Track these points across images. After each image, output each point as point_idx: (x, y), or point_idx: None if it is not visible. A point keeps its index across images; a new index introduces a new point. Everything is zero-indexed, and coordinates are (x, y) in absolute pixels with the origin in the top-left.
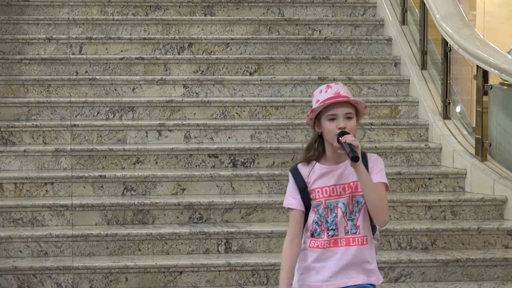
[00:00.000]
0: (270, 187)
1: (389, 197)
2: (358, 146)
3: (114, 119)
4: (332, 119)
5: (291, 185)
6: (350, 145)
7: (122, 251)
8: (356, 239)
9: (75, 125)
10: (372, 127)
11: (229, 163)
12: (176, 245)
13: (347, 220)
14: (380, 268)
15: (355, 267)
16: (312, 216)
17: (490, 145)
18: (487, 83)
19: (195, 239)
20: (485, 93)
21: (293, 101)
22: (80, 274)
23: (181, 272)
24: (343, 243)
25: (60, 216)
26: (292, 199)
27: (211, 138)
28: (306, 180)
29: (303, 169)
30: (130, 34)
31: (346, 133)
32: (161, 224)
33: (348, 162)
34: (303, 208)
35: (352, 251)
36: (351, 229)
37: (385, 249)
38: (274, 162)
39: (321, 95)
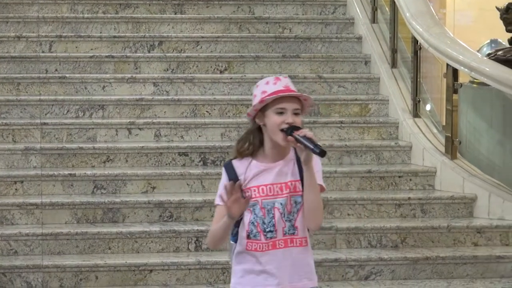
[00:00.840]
0: None
1: (360, 195)
2: (317, 140)
3: (84, 118)
4: (280, 113)
5: (224, 182)
6: (310, 139)
7: (92, 249)
8: (295, 240)
9: (45, 124)
10: (342, 125)
11: (199, 161)
12: (146, 243)
13: (285, 221)
14: (350, 266)
15: (296, 270)
16: (248, 216)
17: (460, 143)
18: (457, 81)
19: (165, 237)
20: (455, 91)
21: None
22: (50, 273)
23: (151, 271)
24: (281, 245)
25: (29, 214)
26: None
27: (181, 137)
28: (240, 177)
29: (238, 165)
30: (100, 32)
31: (296, 127)
32: (131, 222)
33: (285, 160)
34: None
35: (292, 253)
36: (289, 230)
37: (355, 247)
38: None
39: (268, 87)
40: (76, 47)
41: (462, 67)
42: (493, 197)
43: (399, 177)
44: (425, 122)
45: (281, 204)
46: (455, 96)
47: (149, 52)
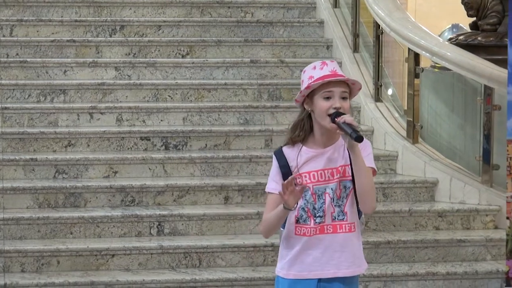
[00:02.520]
0: (202, 170)
1: None
2: (358, 126)
3: (46, 102)
4: (327, 98)
5: (274, 169)
6: (350, 125)
7: (53, 234)
8: (344, 226)
9: (5, 108)
10: None
11: (161, 145)
12: (108, 228)
13: (335, 206)
14: None
15: (344, 255)
16: (299, 201)
17: (422, 127)
18: (419, 65)
19: (127, 222)
20: (417, 75)
21: (225, 84)
22: (11, 258)
23: (113, 255)
24: (329, 230)
25: None
26: (274, 183)
27: (143, 121)
28: (291, 164)
29: (288, 152)
30: (62, 16)
31: (341, 113)
32: (93, 207)
33: (336, 145)
34: None
35: (339, 239)
36: (338, 216)
37: None
38: (206, 144)
39: (315, 72)
40: (37, 31)
41: (423, 52)
42: (454, 181)
43: None
44: (387, 107)
45: (331, 189)
46: (416, 81)
47: (110, 36)
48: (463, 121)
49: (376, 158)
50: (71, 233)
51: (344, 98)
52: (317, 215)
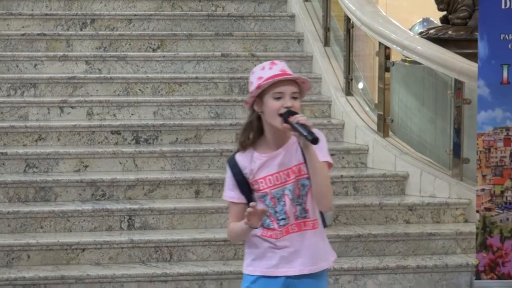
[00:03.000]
0: (173, 164)
1: None
2: (312, 126)
3: (16, 96)
4: (278, 98)
5: (229, 178)
6: (304, 126)
7: (24, 228)
8: (307, 223)
9: None
10: None
11: (132, 139)
12: (79, 222)
13: (296, 205)
14: None
15: (310, 252)
16: (260, 206)
17: (392, 121)
18: (389, 59)
19: (98, 216)
20: (387, 69)
21: (196, 78)
22: None
23: (83, 249)
24: (294, 229)
25: None
26: (230, 191)
27: (114, 115)
28: (244, 171)
29: (241, 159)
30: (32, 10)
31: (294, 112)
32: (63, 201)
33: (287, 145)
34: (243, 200)
35: (305, 237)
36: (301, 214)
37: None
38: (177, 138)
39: (264, 72)
40: (8, 24)
41: (394, 46)
42: (424, 174)
43: (332, 155)
44: (358, 101)
45: (289, 190)
46: (387, 75)
47: (81, 30)
48: (434, 115)
49: (347, 151)
50: (42, 228)
51: (294, 98)
52: (280, 218)
